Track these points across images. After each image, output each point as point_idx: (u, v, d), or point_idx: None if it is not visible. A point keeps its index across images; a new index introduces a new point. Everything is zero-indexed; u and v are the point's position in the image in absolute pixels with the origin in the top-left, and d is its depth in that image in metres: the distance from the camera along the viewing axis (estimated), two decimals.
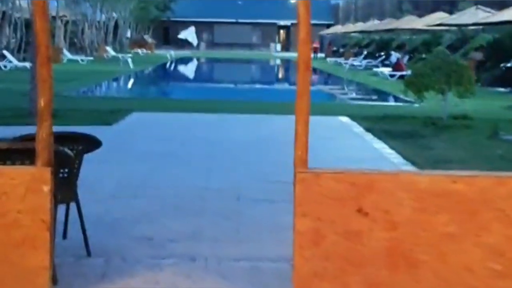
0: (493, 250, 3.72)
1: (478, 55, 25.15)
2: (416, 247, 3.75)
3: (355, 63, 39.11)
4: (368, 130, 11.71)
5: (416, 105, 15.38)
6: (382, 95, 21.32)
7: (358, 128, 12.04)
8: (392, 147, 9.84)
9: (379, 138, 10.76)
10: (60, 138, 4.16)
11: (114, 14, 57.56)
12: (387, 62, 35.73)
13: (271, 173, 7.77)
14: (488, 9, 26.46)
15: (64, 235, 5.01)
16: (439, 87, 12.34)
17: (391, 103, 17.92)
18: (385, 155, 9.38)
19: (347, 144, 10.25)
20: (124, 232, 5.34)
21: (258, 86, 28.23)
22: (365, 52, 43.07)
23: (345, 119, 13.45)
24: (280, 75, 42.27)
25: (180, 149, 9.60)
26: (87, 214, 4.80)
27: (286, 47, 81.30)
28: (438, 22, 28.06)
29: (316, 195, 3.81)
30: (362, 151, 9.58)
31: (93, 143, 4.67)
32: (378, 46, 44.37)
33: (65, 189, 4.51)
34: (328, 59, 49.25)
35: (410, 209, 3.76)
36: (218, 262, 4.67)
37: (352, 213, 3.76)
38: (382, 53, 39.86)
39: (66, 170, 4.53)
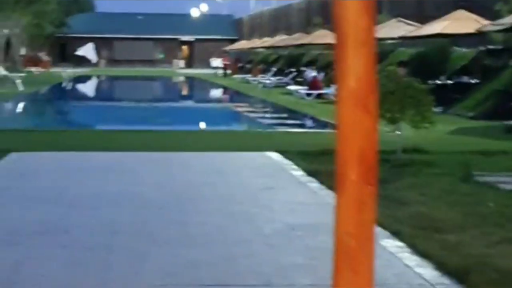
0: None
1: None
2: None
3: (265, 80, 36.98)
4: (310, 173, 9.35)
5: None
6: (306, 119, 19.13)
7: (296, 171, 9.65)
8: None
9: (329, 187, 8.38)
10: None
11: (5, 31, 53.72)
12: (299, 79, 33.80)
13: (199, 262, 5.27)
14: (410, 22, 24.85)
15: None
16: (391, 116, 10.16)
17: (322, 130, 15.62)
18: None
19: (291, 199, 7.81)
20: None
21: (167, 109, 25.26)
22: (274, 69, 41.06)
23: (275, 155, 11.08)
24: (190, 96, 39.47)
25: (67, 217, 6.89)
26: None
27: (189, 64, 78.88)
28: None
29: None
30: (315, 213, 7.15)
31: None
32: (287, 62, 42.45)
33: None
34: (235, 76, 47.04)
35: None
36: None
37: None
38: (293, 69, 37.87)
39: None
